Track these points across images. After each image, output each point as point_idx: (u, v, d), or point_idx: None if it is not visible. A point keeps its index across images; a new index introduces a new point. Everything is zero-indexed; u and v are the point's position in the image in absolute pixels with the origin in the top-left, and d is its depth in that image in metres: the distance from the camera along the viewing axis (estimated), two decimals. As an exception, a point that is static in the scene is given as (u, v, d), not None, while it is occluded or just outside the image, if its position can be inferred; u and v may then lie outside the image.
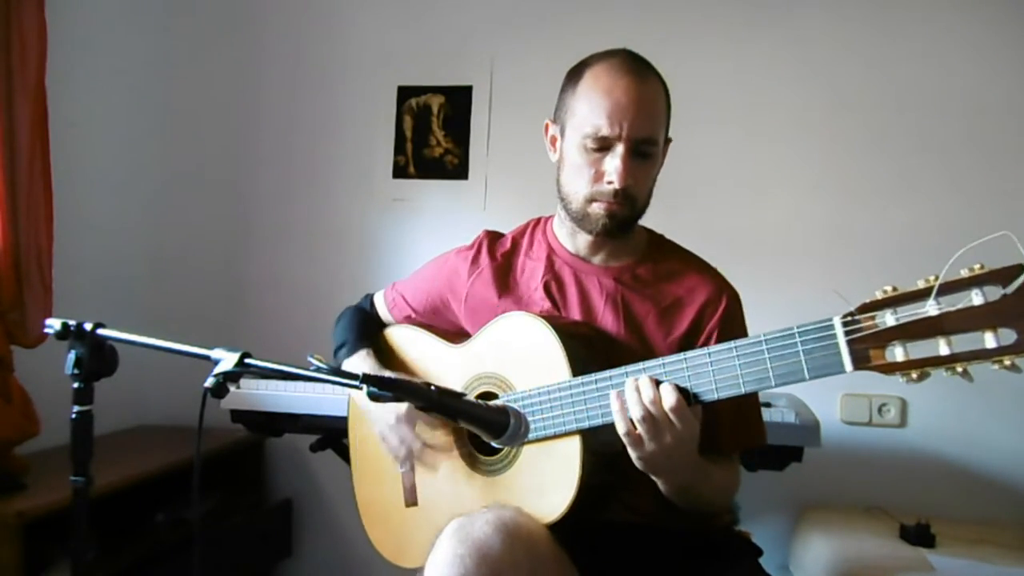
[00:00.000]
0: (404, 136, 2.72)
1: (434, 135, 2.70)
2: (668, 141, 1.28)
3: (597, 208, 1.23)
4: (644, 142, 1.19)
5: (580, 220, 1.26)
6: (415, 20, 2.72)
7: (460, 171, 2.68)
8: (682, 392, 1.04)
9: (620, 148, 1.18)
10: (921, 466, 2.34)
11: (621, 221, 1.24)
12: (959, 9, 2.37)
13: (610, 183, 1.20)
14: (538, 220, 1.42)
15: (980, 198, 2.33)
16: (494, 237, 1.43)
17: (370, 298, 1.57)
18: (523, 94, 2.61)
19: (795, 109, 2.46)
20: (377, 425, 1.35)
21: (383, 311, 1.53)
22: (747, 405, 1.25)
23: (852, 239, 2.40)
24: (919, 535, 1.96)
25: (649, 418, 1.04)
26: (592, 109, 1.19)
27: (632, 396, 1.05)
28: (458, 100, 2.68)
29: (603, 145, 1.19)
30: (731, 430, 1.23)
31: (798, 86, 2.46)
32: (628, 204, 1.22)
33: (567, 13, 2.60)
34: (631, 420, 1.05)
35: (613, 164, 1.19)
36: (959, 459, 2.33)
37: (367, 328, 1.49)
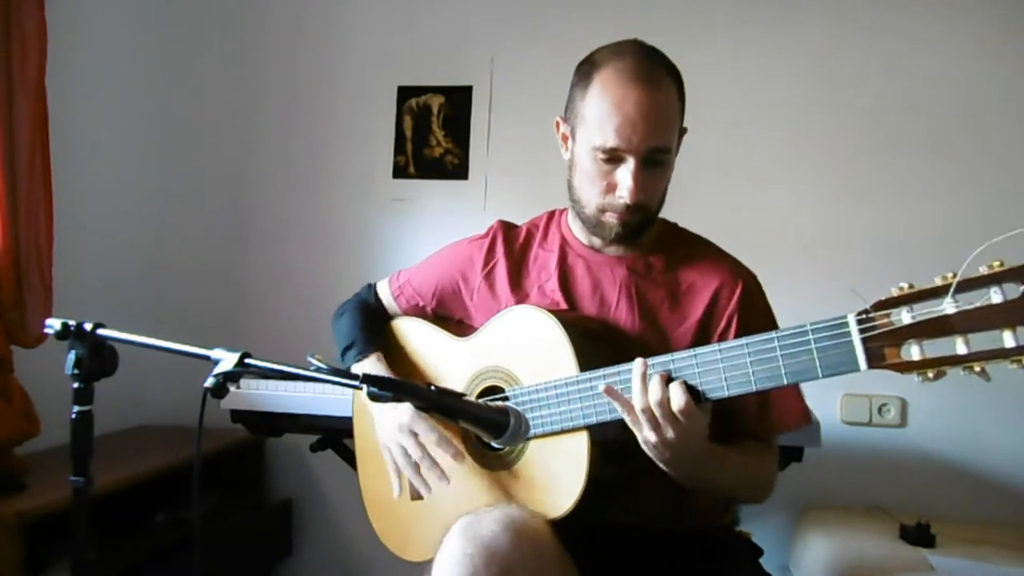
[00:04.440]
0: (404, 136, 2.72)
1: (434, 135, 2.70)
2: (683, 132, 1.25)
3: (610, 218, 1.22)
4: (656, 151, 1.17)
5: (594, 227, 1.26)
6: (415, 20, 2.72)
7: (460, 171, 2.68)
8: (691, 391, 1.03)
9: (631, 162, 1.16)
10: (921, 466, 2.34)
11: (635, 228, 1.23)
12: (963, 8, 2.37)
13: (622, 197, 1.18)
14: (552, 213, 1.41)
15: (983, 197, 2.32)
16: (508, 227, 1.41)
17: (372, 288, 1.54)
18: (523, 94, 2.62)
19: (797, 108, 2.46)
20: (382, 439, 1.33)
21: (388, 300, 1.51)
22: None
23: (854, 238, 2.40)
24: (919, 535, 1.95)
25: (653, 416, 1.03)
26: (601, 121, 1.16)
27: (638, 386, 1.04)
28: (458, 100, 2.68)
29: (613, 157, 1.17)
30: (763, 413, 1.21)
31: (800, 85, 2.46)
32: (641, 212, 1.21)
33: (567, 13, 2.60)
34: (636, 410, 1.04)
35: (625, 179, 1.17)
36: (959, 459, 2.33)
37: (374, 326, 1.46)
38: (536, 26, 2.63)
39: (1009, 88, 2.34)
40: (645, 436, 1.05)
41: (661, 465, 1.09)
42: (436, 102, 2.70)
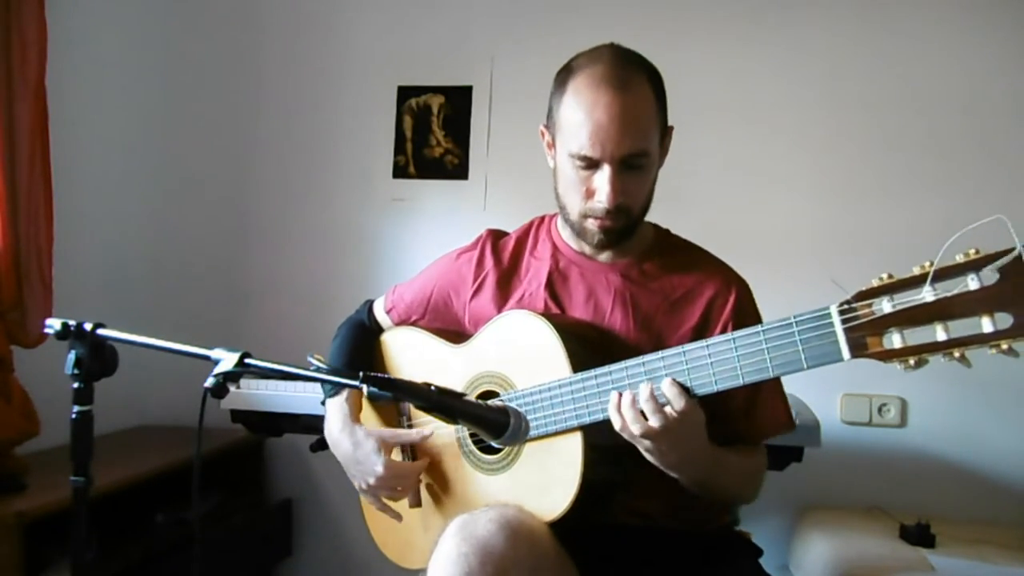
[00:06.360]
0: (404, 136, 2.72)
1: (434, 135, 2.70)
2: (669, 131, 1.25)
3: (592, 224, 1.22)
4: (632, 156, 1.16)
5: (578, 233, 1.27)
6: (415, 20, 2.72)
7: (460, 171, 2.68)
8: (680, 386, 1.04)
9: (607, 168, 1.16)
10: (921, 466, 2.34)
11: (618, 233, 1.23)
12: (961, 7, 2.37)
13: (600, 202, 1.18)
14: (542, 219, 1.41)
15: (985, 195, 2.32)
16: (497, 236, 1.41)
17: (369, 305, 1.54)
18: (523, 94, 2.61)
19: (795, 108, 2.46)
20: (356, 481, 1.35)
21: (382, 317, 1.50)
22: (768, 392, 1.23)
23: (852, 239, 2.40)
24: (919, 535, 1.95)
25: (650, 428, 1.04)
26: (575, 128, 1.16)
27: (628, 413, 1.05)
28: (458, 100, 2.68)
29: (590, 163, 1.17)
30: (750, 417, 1.23)
31: (798, 85, 2.46)
32: (623, 216, 1.21)
33: (567, 13, 2.60)
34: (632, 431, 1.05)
35: (602, 184, 1.17)
36: (959, 459, 2.33)
37: (356, 360, 1.44)
38: (536, 26, 2.62)
39: (1012, 86, 2.34)
40: (642, 441, 1.05)
41: (668, 471, 1.09)
42: (436, 102, 2.70)
